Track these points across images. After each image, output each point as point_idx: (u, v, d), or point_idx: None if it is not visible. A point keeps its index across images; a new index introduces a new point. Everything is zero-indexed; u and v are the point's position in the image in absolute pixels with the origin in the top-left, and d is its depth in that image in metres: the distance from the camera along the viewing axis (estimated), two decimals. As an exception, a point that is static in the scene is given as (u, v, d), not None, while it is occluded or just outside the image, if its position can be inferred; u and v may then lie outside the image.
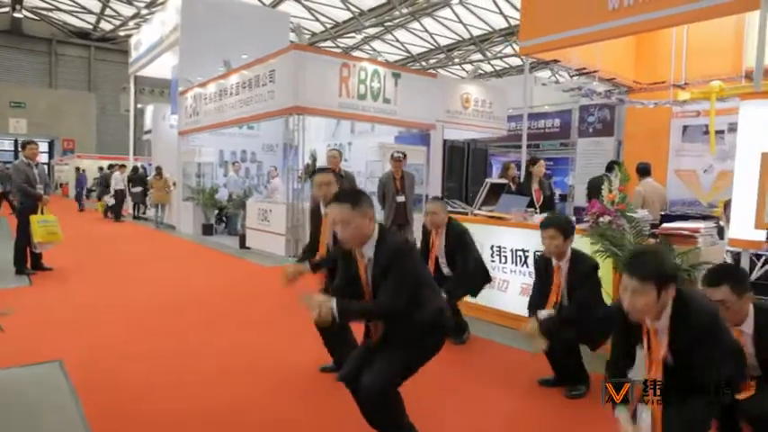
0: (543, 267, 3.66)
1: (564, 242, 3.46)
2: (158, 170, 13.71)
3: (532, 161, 6.79)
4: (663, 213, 6.15)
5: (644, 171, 6.62)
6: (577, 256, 3.54)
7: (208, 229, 12.13)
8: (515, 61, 27.67)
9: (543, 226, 3.54)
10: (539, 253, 4.12)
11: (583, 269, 3.49)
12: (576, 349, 3.58)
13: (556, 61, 6.88)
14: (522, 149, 7.18)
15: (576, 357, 3.57)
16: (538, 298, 3.67)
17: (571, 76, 7.58)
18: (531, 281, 5.03)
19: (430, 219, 4.47)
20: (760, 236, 3.77)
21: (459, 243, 4.43)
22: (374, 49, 27.03)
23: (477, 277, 4.50)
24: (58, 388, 3.47)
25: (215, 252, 9.97)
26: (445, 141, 11.45)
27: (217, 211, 12.30)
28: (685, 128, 7.86)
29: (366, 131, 12.49)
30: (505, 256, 5.27)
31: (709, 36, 7.10)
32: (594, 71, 7.12)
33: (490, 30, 24.52)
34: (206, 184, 12.60)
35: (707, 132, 7.44)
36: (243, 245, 10.17)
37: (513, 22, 22.82)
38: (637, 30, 5.73)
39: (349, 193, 2.52)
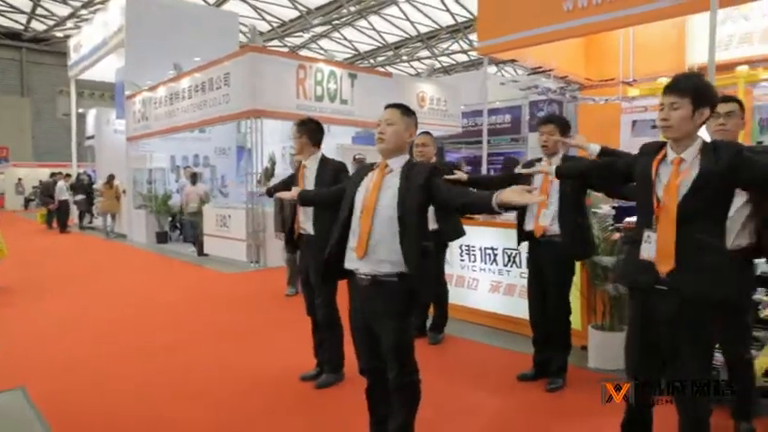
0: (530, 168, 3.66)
1: (562, 138, 3.52)
2: (110, 178, 13.13)
3: (514, 162, 6.82)
4: (615, 206, 6.38)
5: (600, 166, 6.84)
6: (570, 156, 3.62)
7: (162, 237, 11.76)
8: (462, 58, 28.09)
9: (542, 122, 3.62)
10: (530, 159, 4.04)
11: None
12: (565, 342, 3.66)
13: (513, 61, 7.03)
14: (474, 145, 7.30)
15: (563, 349, 3.66)
16: (524, 208, 3.65)
17: (528, 75, 7.76)
18: (500, 278, 5.17)
19: (420, 151, 4.44)
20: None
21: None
22: (322, 48, 26.86)
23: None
24: (24, 417, 3.28)
25: (173, 260, 9.68)
26: (402, 140, 11.48)
27: (170, 218, 11.94)
28: (634, 122, 8.19)
29: (322, 132, 12.38)
30: (474, 255, 5.35)
31: (653, 35, 7.43)
32: (550, 70, 7.33)
33: (437, 27, 24.77)
34: (158, 190, 12.20)
35: (654, 127, 7.76)
36: (201, 252, 9.91)
37: (459, 20, 23.17)
38: (591, 30, 5.93)
39: (403, 105, 2.62)
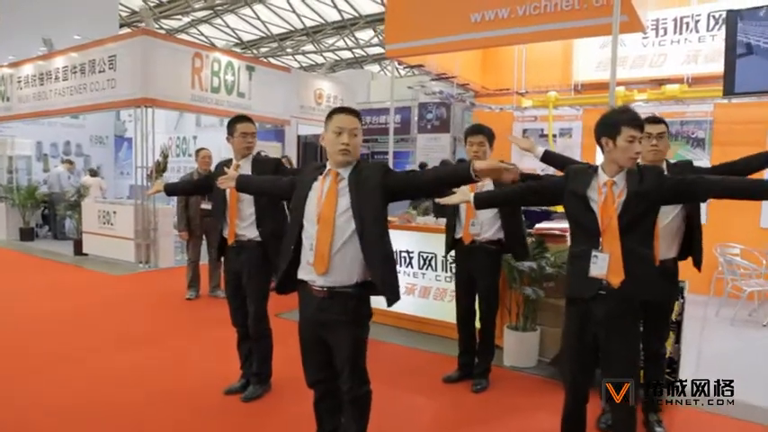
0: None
1: (489, 149, 3.69)
2: (-42, 165, 11.42)
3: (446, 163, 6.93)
4: (524, 211, 6.84)
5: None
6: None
7: (27, 235, 10.46)
8: (346, 54, 28.17)
9: (473, 132, 3.72)
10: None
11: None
12: (490, 348, 3.84)
13: (420, 66, 7.20)
14: (364, 143, 7.37)
15: (488, 354, 3.83)
16: (453, 218, 3.80)
17: (432, 80, 8.01)
18: (415, 281, 5.30)
19: None
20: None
21: None
22: (202, 34, 25.57)
23: None
24: None
25: (47, 261, 8.64)
26: (299, 137, 11.36)
27: (43, 209, 10.67)
28: (525, 131, 8.80)
29: (213, 125, 11.78)
30: (389, 257, 5.43)
31: (545, 52, 8.01)
32: (453, 76, 7.63)
33: (323, 22, 24.60)
34: (21, 180, 10.84)
35: (542, 135, 8.42)
36: (78, 251, 8.98)
37: (345, 17, 23.23)
38: (497, 43, 6.24)
39: (356, 110, 2.48)
